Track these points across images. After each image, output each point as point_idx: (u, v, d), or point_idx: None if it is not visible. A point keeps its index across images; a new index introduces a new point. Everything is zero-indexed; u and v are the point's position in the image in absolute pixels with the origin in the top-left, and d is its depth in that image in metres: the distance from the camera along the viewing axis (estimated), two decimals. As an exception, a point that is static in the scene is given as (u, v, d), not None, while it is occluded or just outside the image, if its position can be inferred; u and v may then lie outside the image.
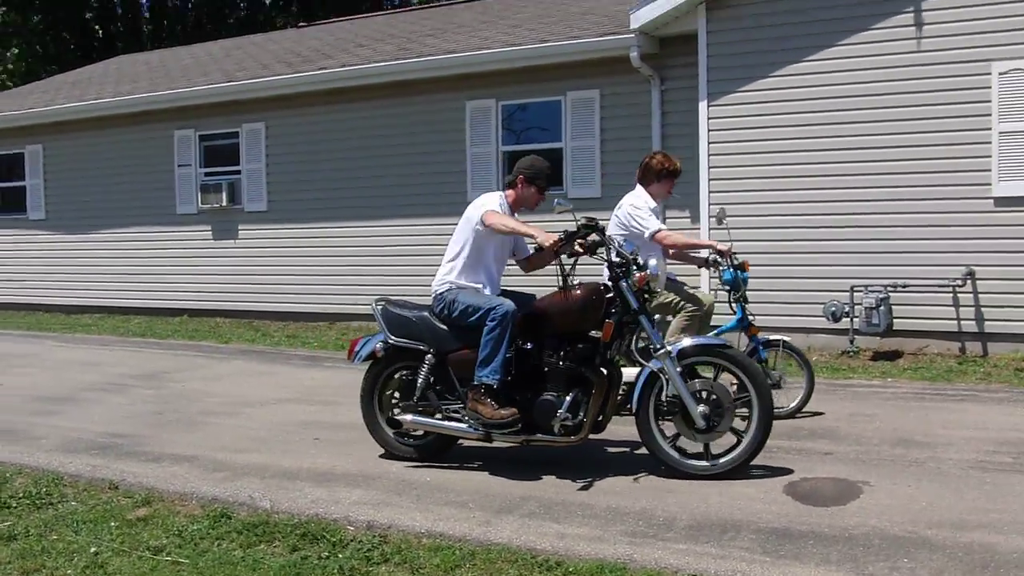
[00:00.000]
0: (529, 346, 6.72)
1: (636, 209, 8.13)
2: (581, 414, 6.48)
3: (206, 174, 16.94)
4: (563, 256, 6.74)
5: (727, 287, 8.13)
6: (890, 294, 10.90)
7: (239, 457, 7.38)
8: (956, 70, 10.98)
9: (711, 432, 6.41)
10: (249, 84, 16.09)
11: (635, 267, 6.56)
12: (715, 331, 8.11)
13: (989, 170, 10.83)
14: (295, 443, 7.81)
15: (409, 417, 6.96)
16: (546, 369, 6.63)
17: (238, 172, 16.62)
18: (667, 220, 11.87)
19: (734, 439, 6.46)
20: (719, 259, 8.13)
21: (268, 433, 8.19)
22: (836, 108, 11.53)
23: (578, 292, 6.61)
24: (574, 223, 6.72)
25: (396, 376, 7.19)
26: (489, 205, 6.94)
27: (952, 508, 5.73)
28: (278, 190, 16.25)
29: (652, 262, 6.58)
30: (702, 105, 12.27)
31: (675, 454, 6.49)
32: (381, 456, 7.21)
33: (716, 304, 8.15)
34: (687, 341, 6.58)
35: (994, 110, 10.81)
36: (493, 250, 7.05)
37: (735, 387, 6.58)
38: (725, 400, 6.42)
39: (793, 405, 8.18)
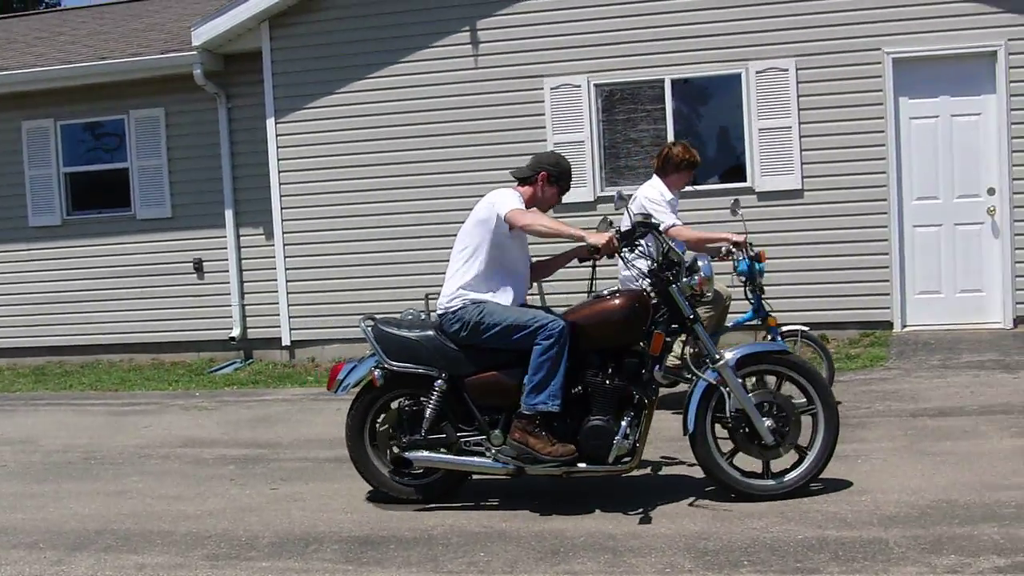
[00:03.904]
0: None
1: (650, 201, 7.79)
2: (633, 438, 5.72)
3: None
4: (623, 255, 5.92)
5: (742, 278, 7.96)
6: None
7: None
8: (512, 85, 11.61)
9: (779, 447, 5.74)
10: None
11: (684, 269, 5.83)
12: (733, 323, 8.32)
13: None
14: None
15: (422, 454, 5.94)
16: (589, 390, 5.79)
17: None
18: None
19: (796, 455, 5.82)
20: (733, 251, 7.93)
21: None
22: (401, 123, 11.88)
23: (618, 301, 5.80)
24: (628, 220, 6.06)
25: (393, 406, 6.17)
26: (509, 202, 5.89)
27: (525, 503, 6.02)
28: None
29: (702, 263, 5.82)
30: (270, 122, 12.27)
31: (736, 473, 5.77)
32: (368, 498, 6.28)
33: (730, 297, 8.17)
34: (743, 349, 5.86)
35: (548, 122, 11.51)
36: (515, 253, 6.06)
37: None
38: (790, 411, 5.74)
39: None
